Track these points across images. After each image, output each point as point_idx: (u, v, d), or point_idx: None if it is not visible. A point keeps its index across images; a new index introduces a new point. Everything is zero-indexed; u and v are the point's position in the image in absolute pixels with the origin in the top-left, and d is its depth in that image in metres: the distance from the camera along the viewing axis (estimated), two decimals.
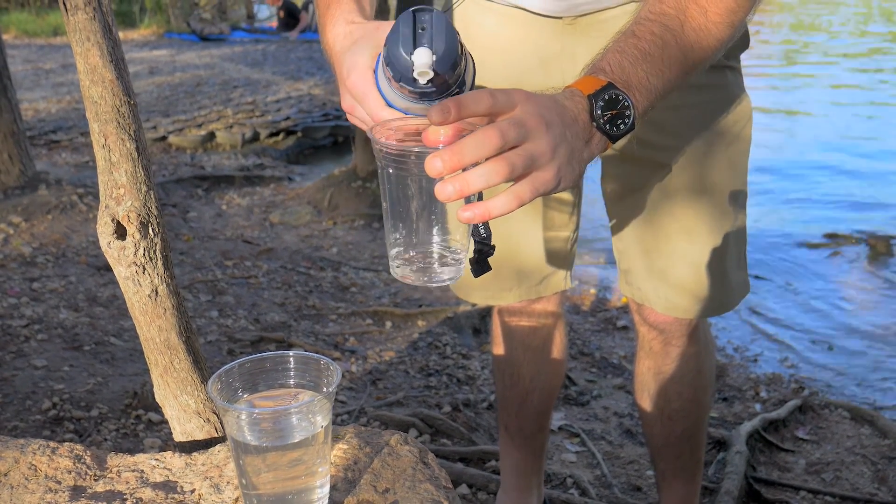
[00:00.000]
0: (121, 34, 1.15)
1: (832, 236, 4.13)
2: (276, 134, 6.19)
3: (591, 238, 4.06)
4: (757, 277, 3.67)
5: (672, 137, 1.27)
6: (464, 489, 1.96)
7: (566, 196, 1.42)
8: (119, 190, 1.03)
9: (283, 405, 0.79)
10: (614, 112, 0.84)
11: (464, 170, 0.75)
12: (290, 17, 12.27)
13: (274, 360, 0.81)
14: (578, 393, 2.62)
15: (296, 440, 0.75)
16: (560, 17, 1.23)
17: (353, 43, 0.91)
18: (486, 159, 0.75)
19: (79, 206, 3.87)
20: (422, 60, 0.77)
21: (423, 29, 0.78)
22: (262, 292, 3.23)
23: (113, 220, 1.02)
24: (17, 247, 3.45)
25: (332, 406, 0.77)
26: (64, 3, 1.01)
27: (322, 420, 0.76)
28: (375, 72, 0.86)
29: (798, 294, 3.55)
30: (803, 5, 15.90)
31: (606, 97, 0.84)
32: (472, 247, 0.87)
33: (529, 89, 1.27)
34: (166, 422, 1.08)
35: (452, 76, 0.81)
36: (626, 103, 0.85)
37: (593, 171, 1.47)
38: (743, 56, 1.32)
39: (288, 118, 6.43)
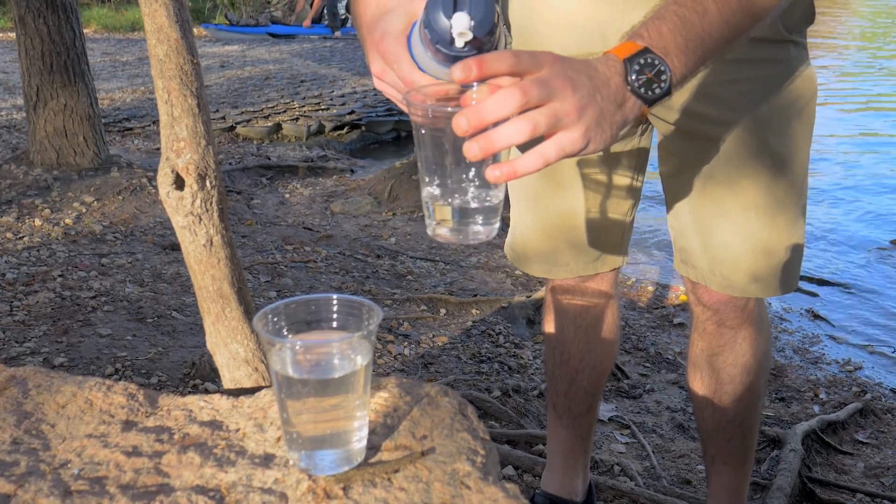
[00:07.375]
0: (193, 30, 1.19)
1: None
2: (341, 127, 6.28)
3: (650, 235, 4.01)
4: (822, 282, 3.58)
5: (730, 111, 1.25)
6: (509, 470, 1.96)
7: (625, 172, 1.41)
8: (179, 143, 1.07)
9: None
10: (649, 75, 0.84)
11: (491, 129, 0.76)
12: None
13: (318, 302, 0.83)
14: (631, 386, 2.59)
15: (336, 376, 0.76)
16: None
17: (386, 12, 0.93)
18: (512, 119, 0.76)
19: (148, 189, 3.98)
20: (461, 24, 0.81)
21: None
22: (319, 276, 3.28)
23: (172, 172, 1.05)
24: (89, 224, 3.58)
25: (372, 347, 0.79)
26: None
27: (362, 359, 0.77)
28: (409, 38, 0.90)
29: (863, 298, 3.44)
30: None
31: (642, 61, 0.85)
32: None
33: None
34: (222, 393, 1.11)
35: (488, 43, 0.83)
36: (661, 68, 0.85)
37: (654, 156, 1.46)
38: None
39: (352, 112, 6.51)
